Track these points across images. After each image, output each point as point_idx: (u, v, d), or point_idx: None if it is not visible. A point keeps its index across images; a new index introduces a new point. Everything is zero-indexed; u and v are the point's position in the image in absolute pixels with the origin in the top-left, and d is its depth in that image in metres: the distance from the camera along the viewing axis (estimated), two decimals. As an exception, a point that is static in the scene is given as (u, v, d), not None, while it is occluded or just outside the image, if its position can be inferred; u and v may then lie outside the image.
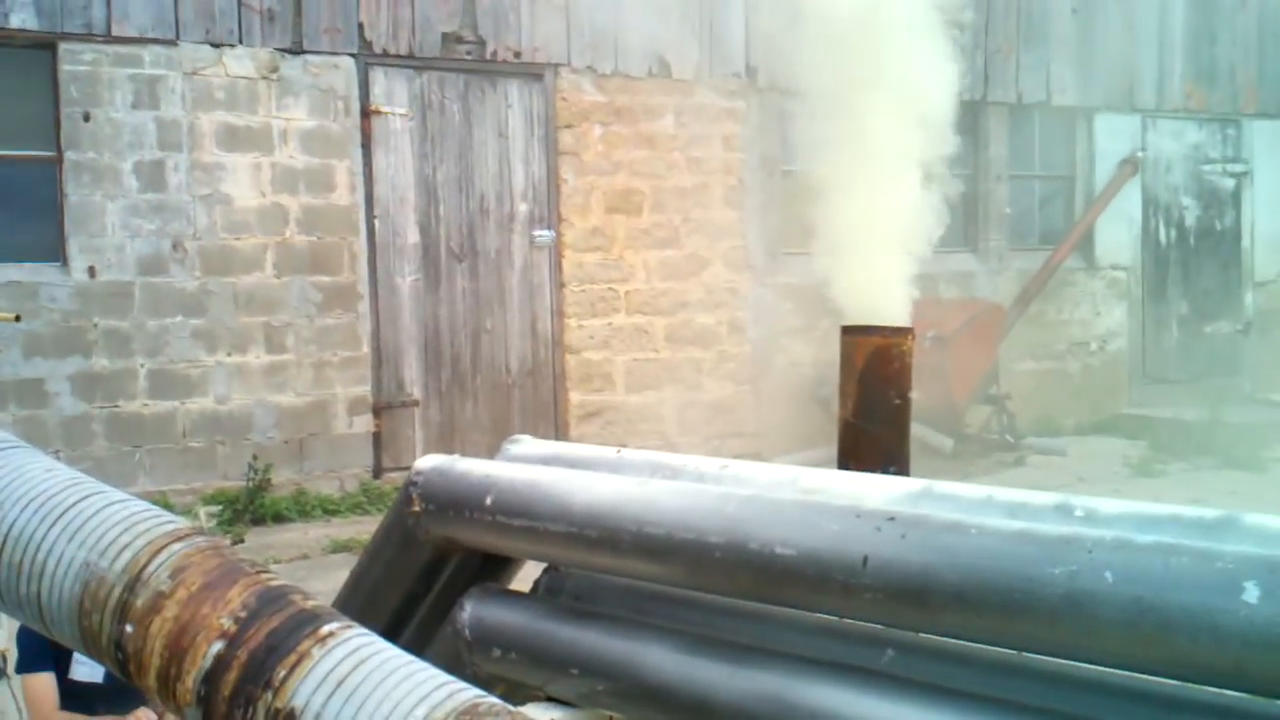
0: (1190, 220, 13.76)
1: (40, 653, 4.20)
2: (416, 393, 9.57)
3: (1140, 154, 13.16)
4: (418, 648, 2.55)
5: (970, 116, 12.29)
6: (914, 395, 4.48)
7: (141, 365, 8.60)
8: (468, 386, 9.76)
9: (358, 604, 2.67)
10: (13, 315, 6.59)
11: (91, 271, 8.45)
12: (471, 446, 9.59)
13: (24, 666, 4.33)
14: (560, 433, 10.03)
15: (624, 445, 9.91)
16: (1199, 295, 13.83)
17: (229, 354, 8.87)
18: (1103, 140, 13.03)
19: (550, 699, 2.35)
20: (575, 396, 10.08)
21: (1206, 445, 10.99)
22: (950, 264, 12.07)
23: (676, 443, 10.33)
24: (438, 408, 9.66)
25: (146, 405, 8.62)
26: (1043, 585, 1.56)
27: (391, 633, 2.58)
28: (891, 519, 1.77)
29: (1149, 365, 13.42)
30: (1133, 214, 13.27)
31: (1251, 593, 1.41)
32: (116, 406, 8.53)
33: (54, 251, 8.47)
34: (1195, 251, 13.79)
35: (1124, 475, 10.41)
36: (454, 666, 2.40)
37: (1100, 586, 1.51)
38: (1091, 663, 1.65)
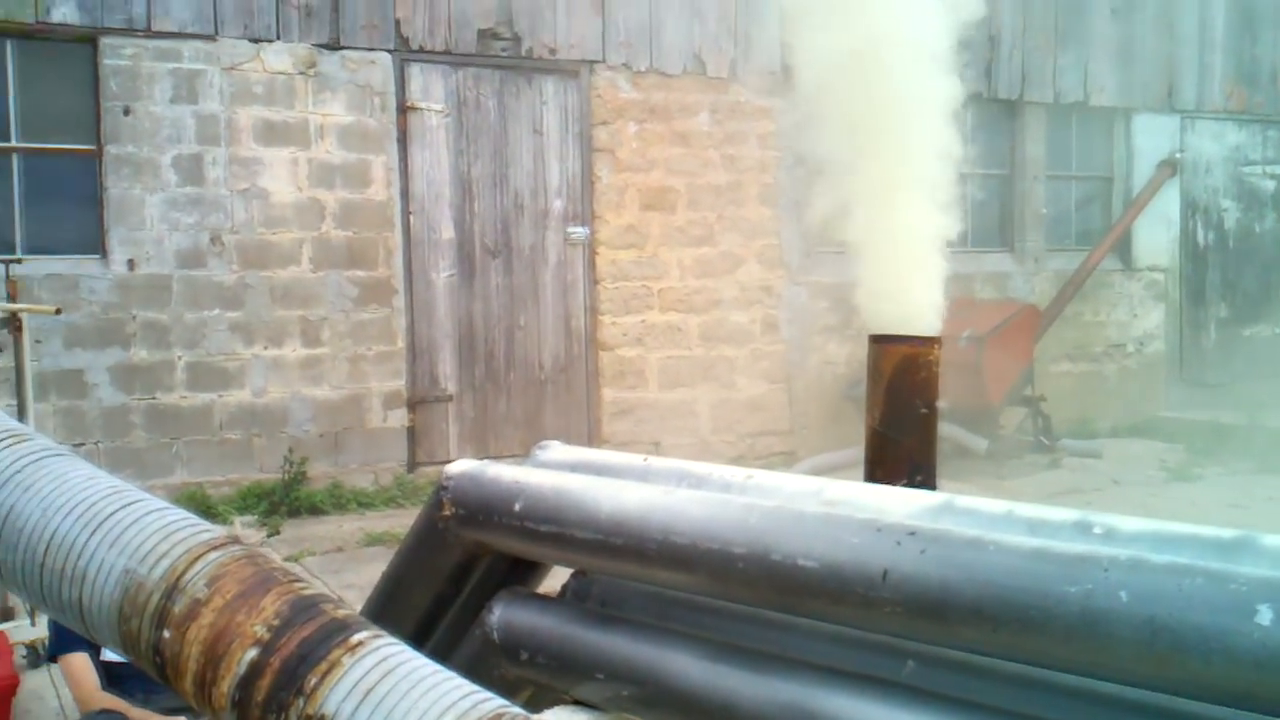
0: (1230, 222, 13.65)
1: (74, 634, 4.27)
2: (450, 388, 9.64)
3: (1179, 155, 13.06)
4: (447, 649, 2.59)
5: (1007, 116, 12.26)
6: (948, 398, 4.49)
7: (179, 357, 8.70)
8: (501, 382, 9.82)
9: (390, 605, 2.72)
10: (53, 308, 6.68)
11: (131, 264, 8.55)
12: (505, 442, 9.66)
13: (60, 648, 4.42)
14: (593, 429, 10.07)
15: (657, 442, 9.98)
16: (1238, 297, 13.72)
17: (265, 347, 8.96)
18: (1141, 141, 12.95)
19: (576, 702, 2.39)
20: (608, 393, 10.11)
21: (1244, 449, 10.91)
22: (986, 264, 12.04)
23: (709, 441, 10.35)
24: (471, 403, 9.72)
25: (184, 397, 8.72)
26: (1059, 603, 1.58)
27: (422, 634, 2.63)
28: (912, 534, 1.79)
29: (1186, 368, 13.33)
30: (1171, 215, 13.17)
31: (1265, 615, 1.43)
32: (154, 398, 8.63)
33: (94, 244, 8.58)
34: (1235, 254, 13.68)
35: (1160, 479, 10.33)
36: (482, 668, 2.45)
37: (1115, 606, 1.53)
38: (1107, 680, 1.67)
